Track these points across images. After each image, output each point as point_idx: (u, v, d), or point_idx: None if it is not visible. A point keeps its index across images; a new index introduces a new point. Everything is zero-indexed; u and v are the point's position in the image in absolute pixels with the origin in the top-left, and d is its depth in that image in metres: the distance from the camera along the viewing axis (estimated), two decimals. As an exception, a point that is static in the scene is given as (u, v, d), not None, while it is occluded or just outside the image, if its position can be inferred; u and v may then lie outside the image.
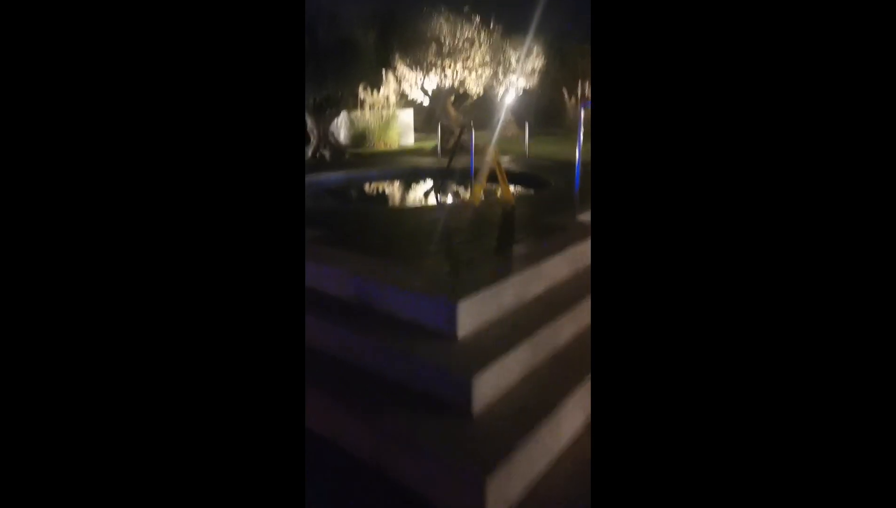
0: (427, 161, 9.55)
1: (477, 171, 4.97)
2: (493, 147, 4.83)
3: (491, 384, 2.38)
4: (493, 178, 4.92)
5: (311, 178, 7.27)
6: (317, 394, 2.52)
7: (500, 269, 3.10)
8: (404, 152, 11.80)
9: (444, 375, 2.37)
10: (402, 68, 11.71)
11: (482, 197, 4.94)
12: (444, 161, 9.30)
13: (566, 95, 16.12)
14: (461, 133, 6.30)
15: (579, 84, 16.00)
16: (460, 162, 7.46)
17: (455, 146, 6.18)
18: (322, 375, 2.65)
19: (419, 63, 11.32)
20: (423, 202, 6.73)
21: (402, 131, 13.46)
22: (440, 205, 5.55)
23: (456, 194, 6.98)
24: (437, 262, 3.34)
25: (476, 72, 11.64)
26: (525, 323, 2.80)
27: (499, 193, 5.17)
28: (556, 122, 16.01)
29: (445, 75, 11.45)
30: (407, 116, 13.70)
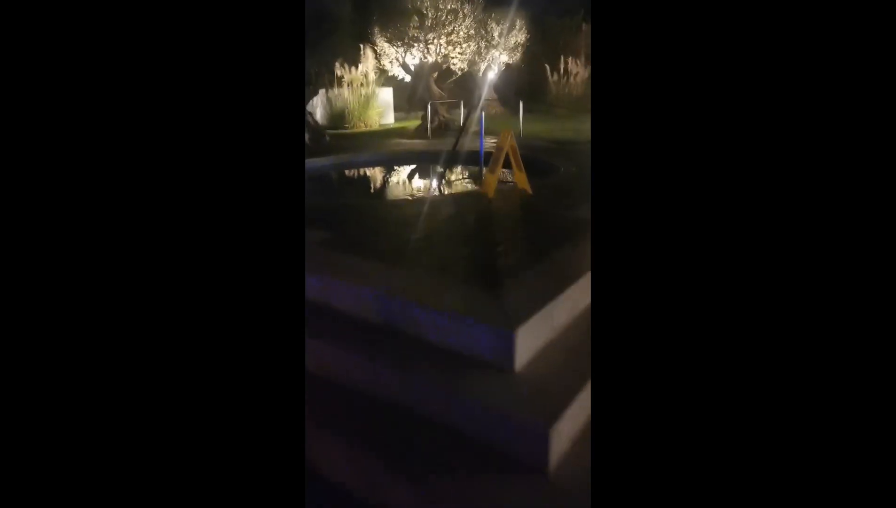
0: (417, 143, 9.00)
1: (489, 156, 4.48)
2: (507, 130, 4.36)
3: (565, 430, 1.98)
4: (504, 163, 4.47)
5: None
6: (341, 440, 2.08)
7: (547, 280, 2.68)
8: (387, 133, 11.17)
9: (510, 422, 1.95)
10: (382, 43, 11.01)
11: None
12: (435, 143, 8.76)
13: (548, 71, 15.64)
14: (469, 114, 5.75)
15: (561, 60, 15.52)
16: (444, 144, 6.91)
17: (464, 128, 5.65)
18: (348, 415, 2.20)
19: (400, 37, 10.64)
20: (429, 193, 6.11)
21: (382, 110, 12.79)
22: (451, 197, 4.96)
23: (461, 183, 6.47)
24: (470, 271, 2.89)
25: (461, 46, 11.02)
26: (586, 346, 2.40)
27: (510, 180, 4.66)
28: (538, 98, 15.54)
29: (428, 50, 10.81)
30: (386, 95, 13.02)
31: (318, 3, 9.75)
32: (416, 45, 10.69)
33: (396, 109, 13.52)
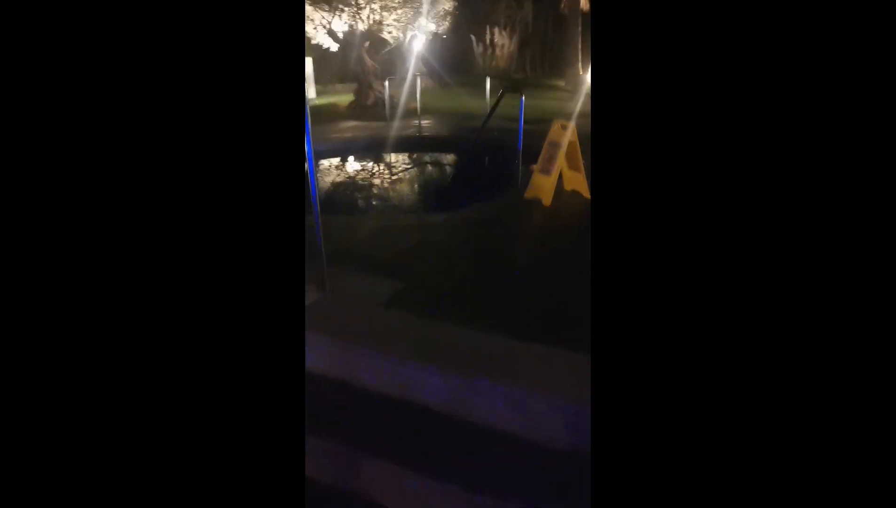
0: (374, 126, 7.82)
1: (544, 152, 3.66)
2: (565, 122, 3.58)
3: None
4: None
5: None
6: None
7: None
8: (317, 111, 9.79)
9: None
10: (305, 6, 9.50)
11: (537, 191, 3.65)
12: (394, 126, 7.63)
13: (474, 42, 14.92)
14: (502, 94, 4.83)
15: (487, 30, 14.86)
16: (405, 126, 5.83)
17: (494, 108, 4.73)
18: None
19: (328, 0, 9.24)
20: (466, 203, 4.50)
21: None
22: (495, 208, 3.71)
23: (496, 185, 5.18)
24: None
25: (396, 12, 9.86)
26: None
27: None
28: (463, 70, 14.81)
29: (360, 16, 9.52)
30: (307, 66, 11.48)
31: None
32: (346, 9, 9.34)
33: (317, 82, 12.03)
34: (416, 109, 8.23)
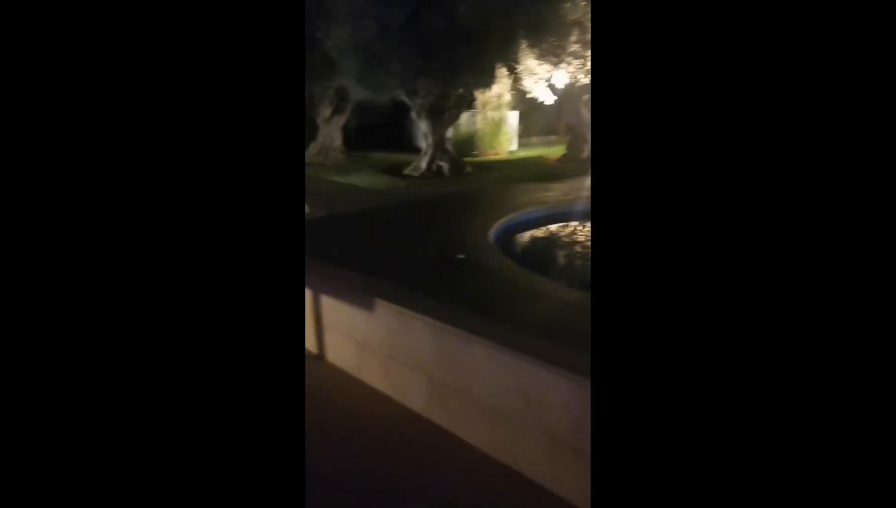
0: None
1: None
2: None
3: None
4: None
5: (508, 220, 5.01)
6: None
7: None
8: (526, 163, 9.60)
9: None
10: (529, 61, 9.47)
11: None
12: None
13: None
14: None
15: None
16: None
17: None
18: None
19: (556, 53, 9.08)
20: None
21: (511, 137, 11.27)
22: None
23: None
24: None
25: (622, 65, 9.39)
26: None
27: None
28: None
29: (586, 69, 9.21)
30: (513, 119, 11.50)
31: (459, 13, 8.33)
32: (573, 62, 9.10)
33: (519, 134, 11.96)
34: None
